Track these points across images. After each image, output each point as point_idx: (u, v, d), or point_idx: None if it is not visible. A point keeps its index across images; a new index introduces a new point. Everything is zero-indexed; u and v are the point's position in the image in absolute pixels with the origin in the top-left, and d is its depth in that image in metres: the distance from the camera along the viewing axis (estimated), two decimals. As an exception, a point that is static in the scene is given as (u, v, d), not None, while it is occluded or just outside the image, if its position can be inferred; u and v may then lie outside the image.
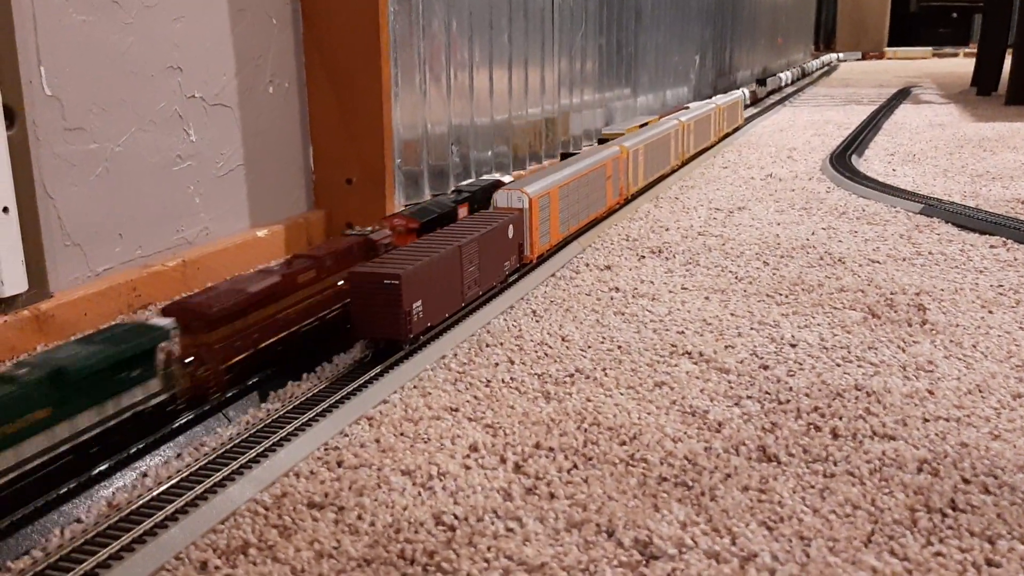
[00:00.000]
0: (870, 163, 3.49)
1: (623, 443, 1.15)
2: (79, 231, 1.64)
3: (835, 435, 1.16)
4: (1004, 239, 2.19)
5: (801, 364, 1.41)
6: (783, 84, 7.46)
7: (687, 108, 3.97)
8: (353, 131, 2.29)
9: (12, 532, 0.93)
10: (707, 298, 1.76)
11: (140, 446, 1.10)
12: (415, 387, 1.35)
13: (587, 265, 2.03)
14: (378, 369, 1.34)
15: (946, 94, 6.92)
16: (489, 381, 1.36)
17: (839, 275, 1.90)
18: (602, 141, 3.03)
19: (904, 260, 2.02)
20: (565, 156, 2.79)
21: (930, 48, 13.67)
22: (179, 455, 1.14)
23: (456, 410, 1.26)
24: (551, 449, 1.13)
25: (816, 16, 12.56)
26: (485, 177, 2.28)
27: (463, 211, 2.00)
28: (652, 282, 1.88)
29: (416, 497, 1.03)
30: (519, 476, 1.07)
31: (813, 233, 2.30)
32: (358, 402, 1.26)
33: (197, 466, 1.06)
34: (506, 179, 2.18)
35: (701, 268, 1.98)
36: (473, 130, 2.90)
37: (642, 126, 3.29)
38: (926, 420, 1.20)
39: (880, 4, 14.71)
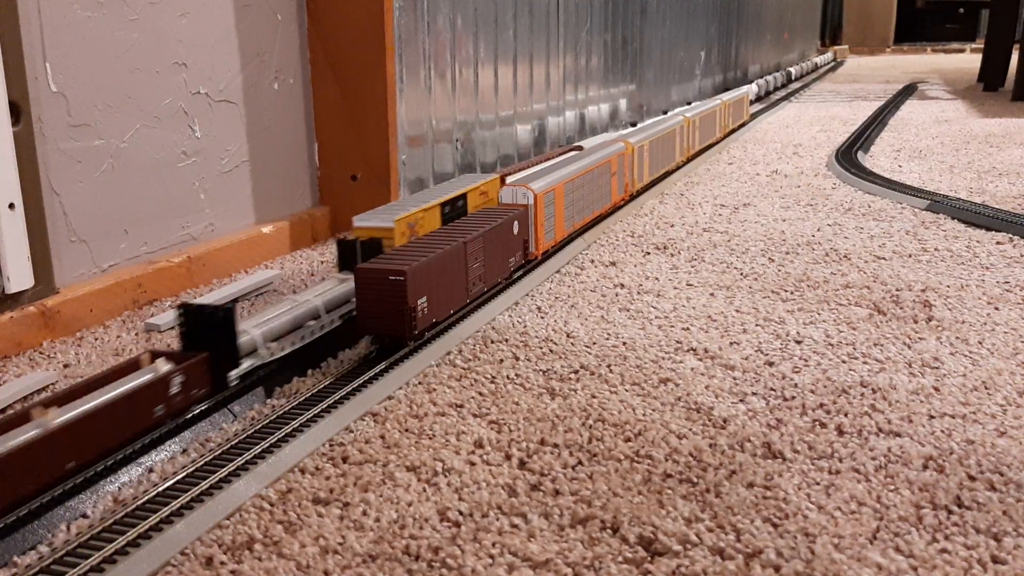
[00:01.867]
0: (876, 159, 3.48)
1: (628, 439, 1.15)
2: (85, 227, 1.65)
3: (840, 432, 1.16)
4: (1010, 235, 2.18)
5: (806, 360, 1.40)
6: (760, 94, 6.20)
7: (578, 149, 2.59)
8: (358, 127, 2.29)
9: (18, 527, 0.94)
10: (712, 294, 1.76)
11: (145, 441, 1.10)
12: (420, 383, 1.35)
13: (592, 261, 2.03)
14: (383, 365, 1.34)
15: (952, 90, 6.90)
16: (494, 377, 1.36)
17: (845, 271, 1.90)
18: (346, 259, 1.54)
19: (910, 256, 2.02)
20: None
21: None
22: (184, 451, 1.14)
23: (461, 406, 1.26)
24: (556, 445, 1.13)
25: (822, 11, 12.51)
26: None
27: None
28: (657, 278, 1.88)
29: (421, 493, 1.03)
30: (524, 472, 1.07)
31: (819, 229, 2.30)
32: (363, 398, 1.26)
33: (202, 462, 1.07)
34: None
35: (706, 264, 1.98)
36: (479, 127, 2.90)
37: (448, 206, 1.73)
38: (932, 417, 1.20)
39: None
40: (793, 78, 7.92)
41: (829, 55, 11.68)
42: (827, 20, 13.15)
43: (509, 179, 1.98)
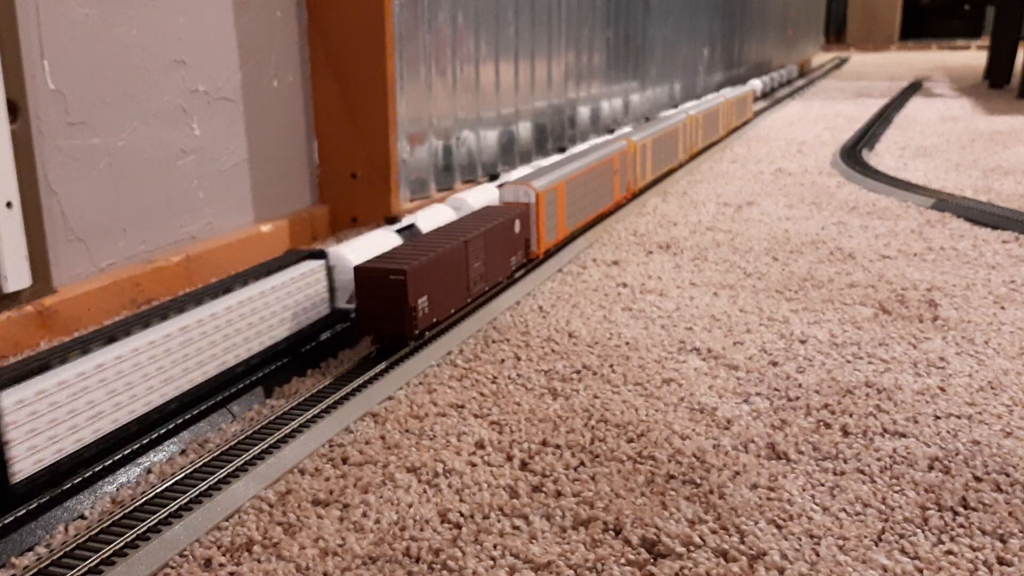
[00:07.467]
0: (881, 157, 3.46)
1: (630, 440, 1.14)
2: (82, 226, 1.64)
3: (845, 432, 1.15)
4: (1017, 234, 2.17)
5: (811, 361, 1.39)
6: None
7: None
8: (358, 125, 2.28)
9: (16, 528, 0.93)
10: (716, 294, 1.75)
11: (144, 441, 1.10)
12: (420, 383, 1.34)
13: (594, 260, 2.02)
14: (383, 365, 1.33)
15: (958, 87, 6.88)
16: (495, 377, 1.35)
17: (849, 271, 1.89)
18: None
19: (915, 255, 2.01)
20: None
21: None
22: (183, 451, 1.13)
23: (462, 407, 1.25)
24: (558, 446, 1.12)
25: (827, 8, 12.47)
26: None
27: None
28: (660, 278, 1.87)
29: (422, 494, 1.02)
30: (525, 473, 1.06)
31: (823, 228, 2.29)
32: (363, 398, 1.25)
33: (201, 462, 1.06)
34: None
35: (710, 263, 1.97)
36: (480, 125, 2.88)
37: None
38: (937, 417, 1.19)
39: (891, -5, 14.62)
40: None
41: (793, 67, 8.23)
42: (832, 17, 13.12)
43: (508, 180, 1.97)
